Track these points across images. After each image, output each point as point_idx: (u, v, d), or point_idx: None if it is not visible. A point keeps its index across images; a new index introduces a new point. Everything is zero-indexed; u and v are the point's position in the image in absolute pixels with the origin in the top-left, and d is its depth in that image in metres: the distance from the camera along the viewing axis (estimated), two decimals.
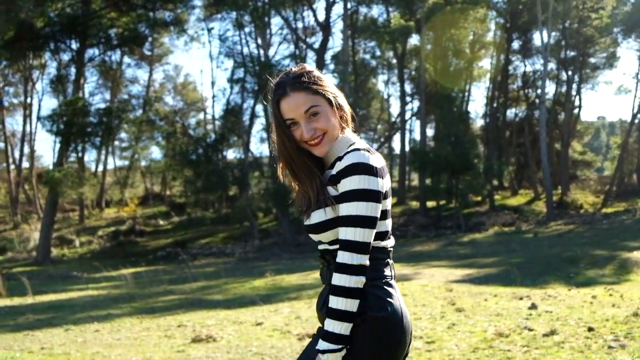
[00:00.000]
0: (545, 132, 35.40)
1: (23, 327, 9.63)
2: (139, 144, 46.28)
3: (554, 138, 44.89)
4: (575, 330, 7.26)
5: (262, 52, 36.37)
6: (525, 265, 16.08)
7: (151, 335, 8.42)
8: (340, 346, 2.05)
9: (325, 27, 38.29)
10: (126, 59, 45.98)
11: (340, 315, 2.04)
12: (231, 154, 48.29)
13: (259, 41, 36.99)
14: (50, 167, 38.53)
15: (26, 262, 30.06)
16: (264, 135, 40.86)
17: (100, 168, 51.02)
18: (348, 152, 2.14)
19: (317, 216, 2.19)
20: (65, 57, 36.92)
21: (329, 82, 2.27)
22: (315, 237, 2.25)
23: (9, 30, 26.23)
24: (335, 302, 2.05)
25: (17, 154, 49.57)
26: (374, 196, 2.08)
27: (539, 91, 44.75)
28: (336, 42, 50.39)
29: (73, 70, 35.52)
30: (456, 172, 32.96)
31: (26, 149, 49.71)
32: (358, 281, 2.05)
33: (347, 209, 2.08)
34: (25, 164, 50.28)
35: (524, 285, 12.72)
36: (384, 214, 2.21)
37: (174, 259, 28.61)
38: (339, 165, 2.13)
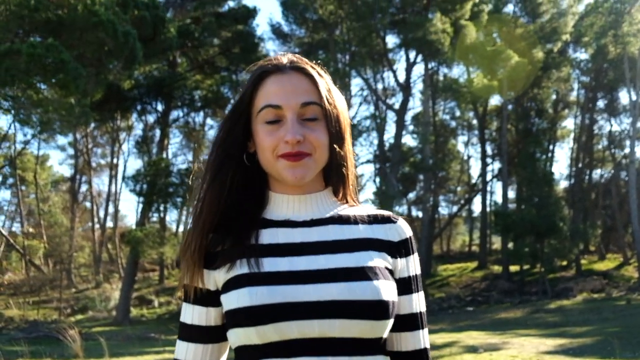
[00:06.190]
0: (635, 194, 33.99)
1: None
2: None
3: None
4: None
5: None
6: (622, 335, 15.08)
7: None
8: None
9: (406, 88, 38.20)
10: (209, 121, 46.92)
11: None
12: None
13: None
14: (133, 226, 39.20)
15: (106, 321, 30.31)
16: None
17: (181, 228, 51.68)
18: (394, 217, 1.53)
19: (386, 289, 1.38)
20: (151, 118, 37.93)
21: (342, 101, 1.54)
22: (350, 329, 1.34)
23: (98, 92, 27.07)
24: None
25: (102, 214, 50.87)
26: None
27: (626, 151, 43.32)
28: (416, 103, 50.35)
29: (158, 131, 36.36)
30: (541, 235, 31.89)
31: (111, 209, 50.99)
32: None
33: (422, 301, 1.53)
34: (109, 224, 51.48)
35: (624, 357, 11.84)
36: None
37: None
38: (398, 230, 1.51)
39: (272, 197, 1.52)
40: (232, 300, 1.36)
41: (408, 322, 1.48)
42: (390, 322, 1.38)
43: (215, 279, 1.43)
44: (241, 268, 1.39)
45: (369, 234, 1.47)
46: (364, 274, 1.36)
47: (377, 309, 1.33)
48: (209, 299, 1.45)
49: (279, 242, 1.43)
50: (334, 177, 1.51)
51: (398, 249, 1.48)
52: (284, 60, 1.48)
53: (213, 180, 1.48)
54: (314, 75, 1.46)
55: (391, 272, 1.44)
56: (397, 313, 1.44)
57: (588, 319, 20.53)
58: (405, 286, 1.48)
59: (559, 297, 30.08)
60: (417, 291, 1.50)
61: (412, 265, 1.50)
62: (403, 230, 1.51)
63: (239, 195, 1.51)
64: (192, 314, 1.47)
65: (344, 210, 1.52)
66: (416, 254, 1.52)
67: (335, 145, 1.45)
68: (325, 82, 1.47)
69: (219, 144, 1.50)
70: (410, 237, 1.51)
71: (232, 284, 1.38)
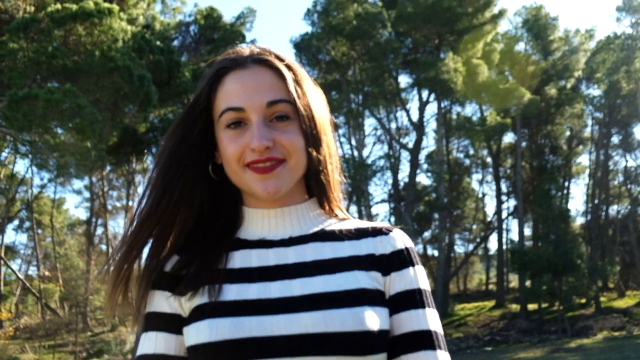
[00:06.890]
0: None
1: None
2: None
3: None
4: None
5: (356, 152, 36.59)
6: None
7: None
8: None
9: (419, 127, 38.36)
10: None
11: None
12: None
13: (353, 142, 37.29)
14: None
15: None
16: None
17: None
18: (387, 228, 1.29)
19: (372, 317, 1.14)
20: None
21: (318, 96, 1.33)
22: None
23: (113, 136, 27.36)
24: None
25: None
26: None
27: None
28: (430, 142, 50.43)
29: None
30: (558, 273, 31.60)
31: None
32: None
33: (434, 319, 1.23)
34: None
35: None
36: None
37: None
38: (391, 242, 1.26)
39: (246, 214, 1.29)
40: (192, 335, 1.15)
41: (413, 342, 1.19)
42: (381, 357, 1.14)
43: (182, 305, 1.20)
44: (203, 297, 1.17)
45: (355, 250, 1.24)
46: (345, 300, 1.13)
47: (360, 342, 1.09)
48: (179, 326, 1.20)
49: (252, 266, 1.22)
50: (313, 186, 1.29)
51: (391, 262, 1.23)
52: (246, 52, 1.27)
53: (154, 193, 1.25)
54: (281, 67, 1.23)
55: (383, 294, 1.21)
56: (395, 333, 1.19)
57: (609, 358, 20.24)
58: (403, 301, 1.21)
59: (579, 335, 29.69)
60: (424, 307, 1.22)
61: (410, 278, 1.23)
62: (397, 241, 1.26)
63: (208, 212, 1.31)
64: (156, 342, 1.20)
65: (330, 225, 1.29)
66: (419, 267, 1.26)
67: (311, 149, 1.23)
68: (294, 74, 1.25)
69: (167, 151, 1.26)
70: (407, 248, 1.26)
71: (193, 316, 1.16)
